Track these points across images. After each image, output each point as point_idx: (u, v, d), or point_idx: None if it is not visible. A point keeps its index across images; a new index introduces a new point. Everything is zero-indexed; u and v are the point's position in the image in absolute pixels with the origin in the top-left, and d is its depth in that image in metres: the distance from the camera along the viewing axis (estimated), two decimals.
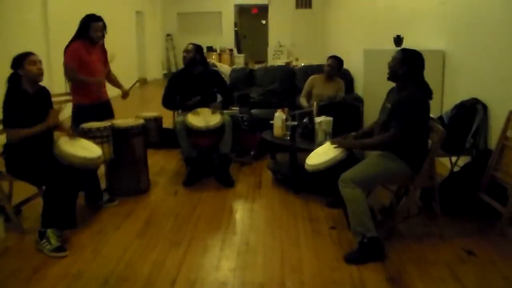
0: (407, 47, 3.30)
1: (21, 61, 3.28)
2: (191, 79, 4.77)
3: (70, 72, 4.11)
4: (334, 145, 3.32)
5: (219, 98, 5.03)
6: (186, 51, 4.78)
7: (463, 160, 4.24)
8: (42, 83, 3.49)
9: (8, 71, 3.32)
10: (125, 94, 4.57)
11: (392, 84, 3.30)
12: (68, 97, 4.42)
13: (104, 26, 4.22)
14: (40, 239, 3.16)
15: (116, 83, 4.63)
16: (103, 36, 4.29)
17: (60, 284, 2.75)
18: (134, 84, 4.91)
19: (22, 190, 3.74)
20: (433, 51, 5.23)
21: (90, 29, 4.12)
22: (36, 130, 3.25)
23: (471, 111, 4.21)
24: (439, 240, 3.28)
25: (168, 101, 4.83)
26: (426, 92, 3.14)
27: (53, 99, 3.67)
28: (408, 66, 3.09)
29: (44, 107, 3.48)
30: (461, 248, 3.16)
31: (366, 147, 3.32)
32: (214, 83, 4.90)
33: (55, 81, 5.42)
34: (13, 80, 3.32)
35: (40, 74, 3.35)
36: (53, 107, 3.55)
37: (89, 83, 4.18)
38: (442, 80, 5.23)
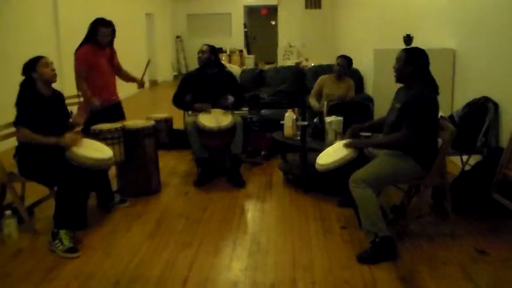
0: (415, 46, 3.29)
1: (34, 65, 3.32)
2: (204, 80, 4.78)
3: (77, 78, 4.22)
4: (344, 145, 3.31)
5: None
6: (201, 51, 4.78)
7: (474, 159, 4.21)
8: (54, 86, 3.52)
9: (20, 75, 3.36)
10: (140, 83, 4.63)
11: (401, 84, 3.29)
12: (79, 100, 4.45)
13: (113, 31, 4.26)
14: (52, 240, 3.19)
15: (129, 78, 4.67)
16: (111, 41, 4.32)
17: (72, 285, 2.77)
18: (146, 66, 4.88)
19: (35, 191, 3.79)
20: (444, 49, 5.22)
21: (98, 34, 4.18)
22: (47, 141, 3.26)
23: (482, 110, 4.18)
24: (450, 240, 3.26)
25: (179, 100, 4.84)
26: (433, 88, 3.13)
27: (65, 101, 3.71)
28: (413, 64, 3.08)
29: (59, 110, 3.52)
30: (473, 247, 3.14)
31: (377, 146, 3.30)
32: (227, 84, 4.89)
33: (66, 84, 5.49)
34: (26, 84, 3.35)
35: (54, 75, 3.40)
36: (74, 130, 3.58)
37: (87, 97, 4.20)
38: (453, 79, 5.20)
